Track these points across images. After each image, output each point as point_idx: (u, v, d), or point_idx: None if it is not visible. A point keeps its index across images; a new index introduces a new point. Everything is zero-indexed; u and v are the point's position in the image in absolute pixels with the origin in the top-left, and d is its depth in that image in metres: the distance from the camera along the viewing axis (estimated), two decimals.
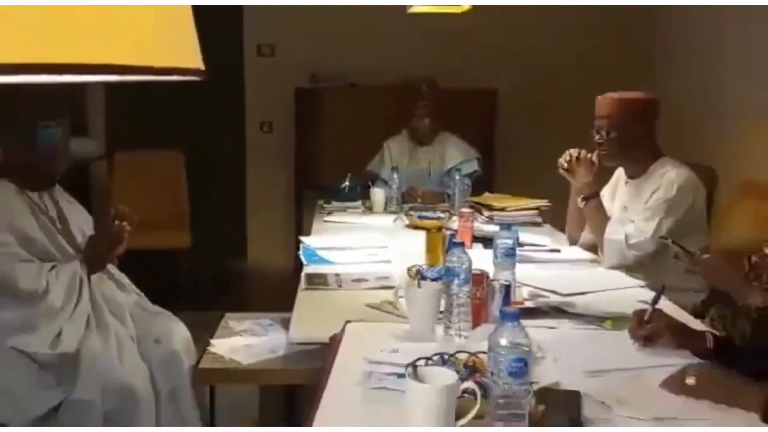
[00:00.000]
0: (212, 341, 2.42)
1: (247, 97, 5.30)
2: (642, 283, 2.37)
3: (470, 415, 1.25)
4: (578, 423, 1.28)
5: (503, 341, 1.21)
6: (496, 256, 2.17)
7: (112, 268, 2.55)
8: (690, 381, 1.47)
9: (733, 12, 3.65)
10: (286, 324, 2.36)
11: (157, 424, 2.34)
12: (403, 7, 3.99)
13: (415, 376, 1.26)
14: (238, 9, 5.13)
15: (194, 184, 4.67)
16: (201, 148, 4.94)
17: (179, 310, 2.68)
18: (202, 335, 2.51)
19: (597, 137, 2.68)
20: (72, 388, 2.22)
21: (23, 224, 2.34)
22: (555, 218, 3.28)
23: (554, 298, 2.11)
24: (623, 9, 4.77)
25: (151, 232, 3.58)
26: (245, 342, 2.43)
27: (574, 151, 2.77)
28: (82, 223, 2.53)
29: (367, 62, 4.96)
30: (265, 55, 5.23)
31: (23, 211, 2.37)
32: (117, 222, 2.35)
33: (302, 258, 2.66)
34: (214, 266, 4.97)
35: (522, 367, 1.19)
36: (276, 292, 2.71)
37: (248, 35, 5.26)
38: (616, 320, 1.91)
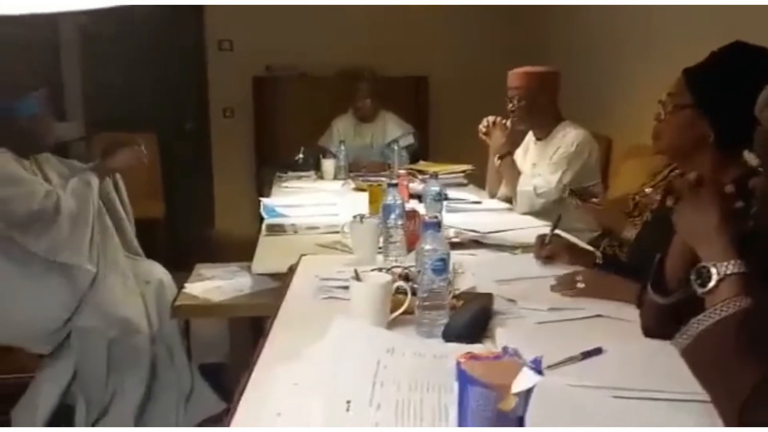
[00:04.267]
0: (186, 284, 2.48)
1: (211, 86, 5.31)
2: (548, 224, 2.50)
3: (402, 308, 1.35)
4: (489, 312, 1.39)
5: (427, 246, 1.31)
6: (426, 201, 2.29)
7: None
8: (580, 285, 1.60)
9: None
10: (250, 270, 2.43)
11: (151, 353, 2.41)
12: (346, 6, 4.07)
13: (357, 278, 1.36)
14: (199, 9, 5.13)
15: (167, 163, 4.68)
16: (172, 132, 4.94)
17: None
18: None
19: (510, 105, 2.81)
20: (84, 318, 2.28)
21: None
22: (478, 180, 3.42)
23: (474, 235, 2.22)
24: None
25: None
26: (215, 284, 2.49)
27: (490, 118, 2.91)
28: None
29: (315, 54, 5.03)
30: (225, 49, 5.23)
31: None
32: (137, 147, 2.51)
33: (263, 213, 2.73)
34: (186, 234, 4.96)
35: (442, 265, 1.30)
36: (241, 257, 2.76)
37: (209, 32, 5.25)
38: (524, 248, 2.04)
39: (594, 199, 2.49)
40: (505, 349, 0.73)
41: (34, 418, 2.25)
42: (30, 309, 2.24)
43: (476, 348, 1.20)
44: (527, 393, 0.70)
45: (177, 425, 2.45)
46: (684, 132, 1.53)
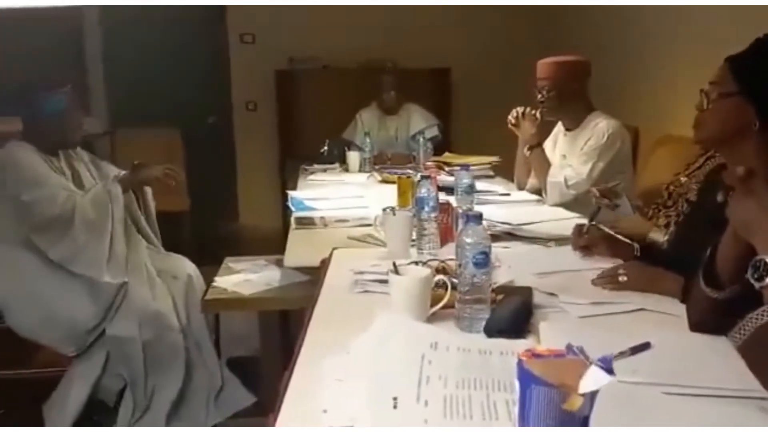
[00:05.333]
0: (216, 278, 2.48)
1: (233, 80, 5.30)
2: (579, 216, 2.46)
3: (443, 302, 1.32)
4: (531, 306, 1.36)
5: (468, 239, 1.29)
6: (458, 193, 2.26)
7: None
8: (623, 278, 1.56)
9: None
10: (278, 263, 2.42)
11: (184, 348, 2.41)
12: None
13: (396, 272, 1.34)
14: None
15: (191, 157, 4.69)
16: (196, 126, 4.94)
17: None
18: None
19: (539, 96, 2.76)
20: (116, 327, 2.28)
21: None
22: (504, 172, 3.38)
23: (506, 227, 2.19)
24: None
25: (154, 196, 3.60)
26: (244, 278, 2.49)
27: (519, 109, 2.86)
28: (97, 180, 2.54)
29: (337, 46, 5.01)
30: (247, 42, 5.23)
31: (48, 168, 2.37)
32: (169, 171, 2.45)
33: (291, 206, 2.71)
34: (210, 228, 4.98)
35: (484, 258, 1.27)
36: (265, 251, 2.77)
37: (231, 25, 5.25)
38: (558, 241, 2.00)
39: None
40: (569, 346, 0.70)
41: (64, 413, 2.26)
42: (57, 311, 2.25)
43: (520, 343, 1.17)
44: (593, 392, 0.68)
45: (208, 419, 2.45)
46: (728, 120, 1.49)
